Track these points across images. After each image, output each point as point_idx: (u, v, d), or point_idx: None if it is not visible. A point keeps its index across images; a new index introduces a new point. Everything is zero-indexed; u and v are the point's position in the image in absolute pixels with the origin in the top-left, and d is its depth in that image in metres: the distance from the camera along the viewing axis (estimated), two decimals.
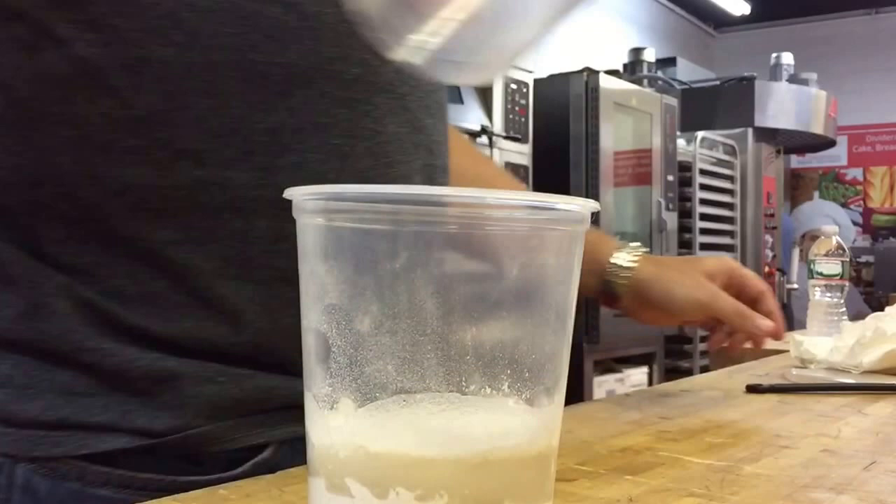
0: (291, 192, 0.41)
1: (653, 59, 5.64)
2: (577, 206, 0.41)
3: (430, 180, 0.81)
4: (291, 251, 0.69)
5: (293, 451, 0.70)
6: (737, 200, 5.46)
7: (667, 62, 6.10)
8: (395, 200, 0.39)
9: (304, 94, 0.71)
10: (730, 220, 5.41)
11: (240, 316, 0.71)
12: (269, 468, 0.68)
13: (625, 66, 5.56)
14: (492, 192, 0.39)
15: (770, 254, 5.74)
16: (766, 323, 1.01)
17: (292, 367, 0.68)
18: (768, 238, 5.71)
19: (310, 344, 0.42)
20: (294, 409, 0.69)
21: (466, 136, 1.12)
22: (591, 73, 4.18)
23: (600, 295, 1.03)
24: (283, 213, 0.67)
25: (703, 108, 5.57)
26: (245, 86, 0.69)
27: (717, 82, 5.91)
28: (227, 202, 0.69)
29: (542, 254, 0.41)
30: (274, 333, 0.72)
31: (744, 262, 5.53)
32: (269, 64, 0.70)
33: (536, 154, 3.90)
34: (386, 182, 0.76)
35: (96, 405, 0.67)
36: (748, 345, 1.05)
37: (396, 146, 0.77)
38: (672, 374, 4.70)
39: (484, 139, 3.57)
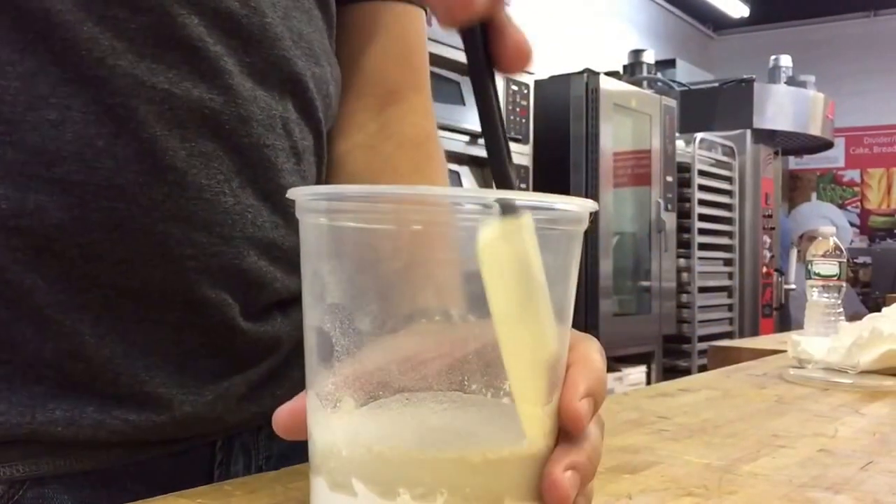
0: (294, 193, 0.41)
1: (652, 61, 5.64)
2: (576, 205, 0.41)
3: None
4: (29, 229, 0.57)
5: (38, 494, 0.60)
6: (735, 201, 5.46)
7: (666, 64, 6.10)
8: (397, 200, 0.39)
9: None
10: (728, 221, 5.41)
11: None
12: None
13: (624, 67, 5.56)
14: (494, 193, 0.39)
15: (768, 254, 5.74)
16: None
17: (29, 391, 0.59)
18: (766, 239, 5.71)
19: (312, 343, 0.42)
20: (33, 443, 0.59)
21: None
22: (592, 75, 4.18)
23: None
24: (25, 179, 0.56)
25: (702, 109, 5.57)
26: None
27: (716, 84, 5.91)
28: None
29: (541, 253, 0.41)
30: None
31: (742, 262, 5.54)
32: None
33: (537, 155, 3.90)
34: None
35: None
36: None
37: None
38: (670, 373, 4.70)
39: None
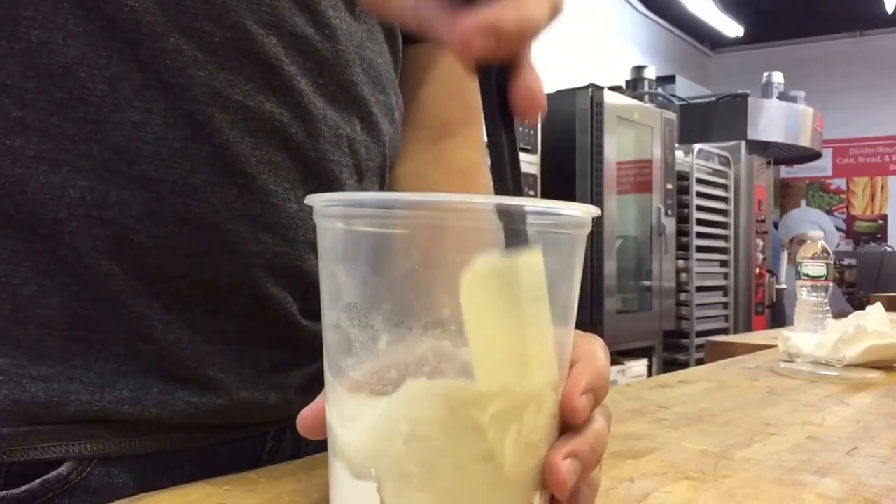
0: (312, 199, 0.41)
1: (653, 77, 5.63)
2: (580, 211, 0.41)
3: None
4: (110, 220, 0.57)
5: (104, 472, 0.60)
6: (730, 207, 5.44)
7: (666, 79, 6.09)
8: (410, 206, 0.39)
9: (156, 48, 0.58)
10: (724, 226, 5.39)
11: (20, 296, 0.58)
12: (66, 488, 0.58)
13: (627, 82, 5.55)
14: (502, 199, 0.39)
15: (761, 256, 5.72)
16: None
17: (100, 369, 0.59)
18: (759, 242, 5.69)
19: (330, 340, 0.42)
20: (100, 423, 0.59)
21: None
22: (596, 89, 4.18)
23: None
24: (108, 173, 0.57)
25: (699, 122, 5.56)
26: (86, 24, 0.57)
27: (713, 98, 5.89)
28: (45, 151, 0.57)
29: (547, 256, 0.40)
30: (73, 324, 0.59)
31: (736, 263, 5.52)
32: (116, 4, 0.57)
33: (545, 164, 3.90)
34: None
35: None
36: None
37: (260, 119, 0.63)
38: (670, 366, 4.69)
39: None
